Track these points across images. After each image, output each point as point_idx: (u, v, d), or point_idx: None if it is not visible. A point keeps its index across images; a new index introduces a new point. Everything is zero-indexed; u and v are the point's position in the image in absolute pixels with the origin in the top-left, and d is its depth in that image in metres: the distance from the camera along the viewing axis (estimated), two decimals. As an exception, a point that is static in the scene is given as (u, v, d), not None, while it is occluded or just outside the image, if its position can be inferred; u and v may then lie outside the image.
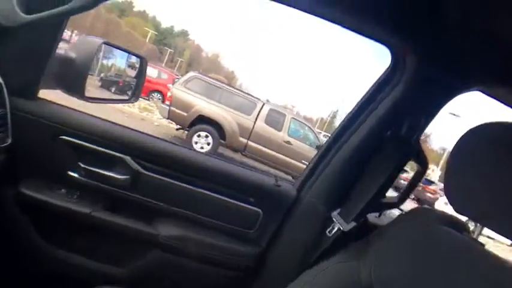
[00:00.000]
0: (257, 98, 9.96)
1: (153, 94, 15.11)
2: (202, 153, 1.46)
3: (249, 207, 1.35)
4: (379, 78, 1.31)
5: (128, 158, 1.24)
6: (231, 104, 9.37)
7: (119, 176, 1.25)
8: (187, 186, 1.29)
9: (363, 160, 1.26)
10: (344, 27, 1.16)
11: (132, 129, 1.29)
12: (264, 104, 9.72)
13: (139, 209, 1.29)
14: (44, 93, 1.25)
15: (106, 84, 1.79)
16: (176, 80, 11.80)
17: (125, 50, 1.46)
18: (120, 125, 1.31)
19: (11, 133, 1.10)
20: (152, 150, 1.28)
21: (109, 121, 1.32)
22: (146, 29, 58.22)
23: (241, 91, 10.85)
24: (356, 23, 1.14)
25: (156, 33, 66.76)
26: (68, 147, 1.21)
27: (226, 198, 1.32)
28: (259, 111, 9.54)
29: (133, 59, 1.59)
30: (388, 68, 1.28)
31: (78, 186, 1.25)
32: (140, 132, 1.33)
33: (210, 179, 1.32)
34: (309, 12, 1.11)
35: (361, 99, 1.34)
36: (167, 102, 9.25)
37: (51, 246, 1.27)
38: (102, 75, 1.51)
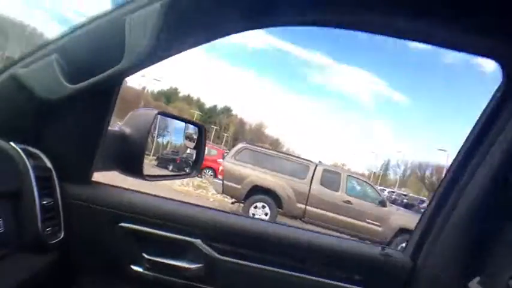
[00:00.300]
0: (309, 160, 9.75)
1: (205, 171, 15.31)
2: (285, 224, 1.23)
3: None
4: (488, 106, 1.06)
5: (198, 242, 1.03)
6: (283, 170, 9.20)
7: (190, 266, 1.03)
8: (275, 269, 1.04)
9: (495, 208, 0.98)
10: (436, 44, 0.96)
11: (200, 206, 1.10)
12: (316, 166, 9.46)
13: None
14: (98, 176, 1.11)
15: (162, 163, 1.65)
16: (225, 154, 11.93)
17: (180, 119, 1.32)
18: (185, 202, 1.12)
19: (63, 226, 0.94)
20: (226, 228, 1.07)
21: (172, 199, 1.13)
22: (192, 111, 61.35)
23: (292, 155, 10.73)
24: (454, 37, 0.93)
25: (201, 113, 70.11)
26: (129, 236, 1.02)
27: (325, 280, 1.05)
28: (313, 174, 9.26)
29: (191, 129, 1.46)
30: (499, 89, 1.03)
31: (143, 282, 1.04)
32: (209, 208, 1.13)
33: (302, 257, 1.07)
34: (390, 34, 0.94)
35: (471, 135, 1.08)
36: (220, 177, 9.25)
37: None
38: (158, 154, 1.38)
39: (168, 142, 1.52)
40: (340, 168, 10.59)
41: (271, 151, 9.85)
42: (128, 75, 0.92)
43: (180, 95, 75.80)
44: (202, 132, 1.41)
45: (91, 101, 0.94)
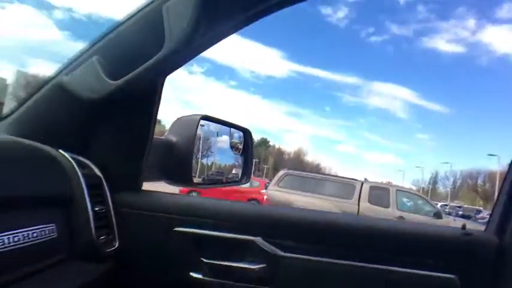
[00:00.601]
0: (353, 179, 9.48)
1: (251, 202, 15.23)
2: (351, 215, 1.13)
3: (438, 276, 0.94)
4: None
5: (259, 240, 0.95)
6: (328, 192, 8.97)
7: (252, 266, 0.95)
8: (344, 262, 0.94)
9: None
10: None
11: (257, 205, 1.02)
12: (362, 183, 9.17)
13: None
14: (146, 187, 1.07)
15: (208, 184, 1.61)
16: (267, 184, 11.83)
17: (224, 123, 1.27)
18: (241, 202, 1.05)
19: (117, 234, 0.90)
20: (287, 223, 0.98)
21: (228, 201, 1.07)
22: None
23: (335, 176, 10.48)
24: None
25: (239, 149, 70.51)
26: (185, 241, 0.96)
27: (403, 269, 0.94)
28: (360, 192, 8.96)
29: (236, 139, 1.41)
30: None
31: None
32: (267, 207, 1.06)
33: (374, 246, 0.96)
34: None
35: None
36: (265, 206, 9.13)
37: None
38: (203, 175, 1.34)
39: (212, 163, 1.48)
40: (388, 184, 10.11)
41: (313, 174, 9.66)
42: (170, 66, 0.90)
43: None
44: (248, 136, 1.36)
45: (135, 100, 0.92)
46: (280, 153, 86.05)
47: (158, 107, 0.99)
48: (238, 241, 0.95)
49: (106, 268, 0.86)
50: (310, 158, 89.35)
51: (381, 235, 0.98)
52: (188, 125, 1.10)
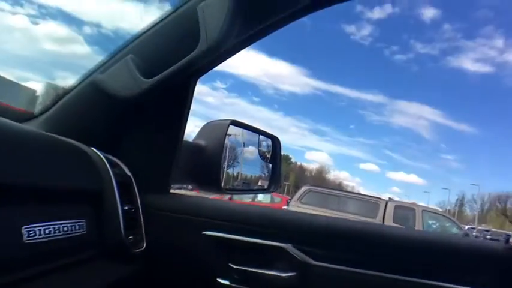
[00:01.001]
0: (378, 198, 9.28)
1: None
2: (386, 225, 1.08)
3: None
4: None
5: (289, 247, 0.91)
6: (352, 210, 8.78)
7: (282, 274, 0.91)
8: (378, 274, 0.89)
9: None
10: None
11: (288, 211, 0.99)
12: (387, 202, 8.95)
13: None
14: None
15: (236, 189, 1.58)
16: (289, 200, 11.71)
17: (253, 129, 1.26)
18: (272, 208, 1.02)
19: (145, 236, 0.88)
20: (319, 230, 0.94)
21: (257, 206, 1.04)
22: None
23: (359, 194, 10.27)
24: None
25: (259, 165, 70.44)
26: (214, 245, 0.94)
27: (440, 284, 0.88)
28: (385, 211, 8.75)
29: (264, 147, 1.39)
30: None
31: None
32: (298, 213, 1.02)
33: (410, 257, 0.91)
34: None
35: None
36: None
37: None
38: (229, 186, 1.32)
39: (238, 173, 1.46)
40: (414, 204, 9.82)
41: (336, 191, 9.51)
42: (203, 67, 0.89)
43: (238, 148, 77.33)
44: (276, 144, 1.34)
45: (167, 100, 0.91)
46: (302, 170, 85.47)
47: (189, 109, 0.99)
48: (267, 247, 0.92)
49: (133, 269, 0.85)
50: (332, 176, 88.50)
51: (417, 247, 0.93)
52: (217, 129, 1.09)
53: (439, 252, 0.92)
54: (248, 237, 0.93)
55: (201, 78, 1.00)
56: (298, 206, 8.89)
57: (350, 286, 0.90)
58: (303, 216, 1.00)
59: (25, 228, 0.57)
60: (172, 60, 0.81)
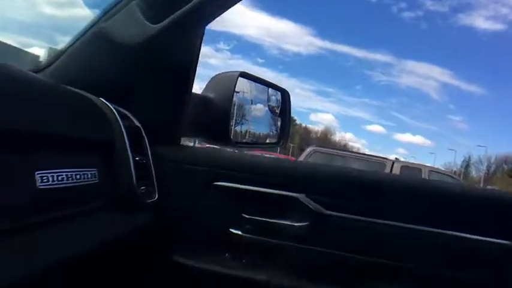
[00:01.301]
0: (384, 158, 9.28)
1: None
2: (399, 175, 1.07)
3: (495, 242, 0.87)
4: None
5: (302, 197, 0.92)
6: (357, 170, 8.82)
7: (294, 224, 0.92)
8: (393, 223, 0.89)
9: None
10: None
11: (301, 161, 0.98)
12: (393, 162, 8.95)
13: (332, 266, 0.92)
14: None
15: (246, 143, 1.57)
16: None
17: (262, 81, 1.23)
18: (283, 158, 1.01)
19: (156, 187, 0.89)
20: (332, 180, 0.94)
21: (269, 156, 1.04)
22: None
23: (365, 154, 10.27)
24: None
25: (265, 126, 70.44)
26: (225, 195, 0.94)
27: (456, 234, 0.88)
28: (391, 171, 8.76)
29: (273, 102, 1.37)
30: None
31: (244, 246, 0.95)
32: (311, 163, 1.02)
33: (425, 207, 0.90)
34: None
35: None
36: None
37: None
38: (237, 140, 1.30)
39: (246, 131, 1.45)
40: (420, 164, 9.75)
41: (342, 151, 9.51)
42: (210, 12, 0.86)
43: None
44: (286, 97, 1.31)
45: (175, 49, 0.88)
46: (306, 132, 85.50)
47: (197, 59, 0.96)
48: (280, 197, 0.92)
49: (146, 219, 0.85)
50: (337, 137, 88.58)
51: (428, 196, 0.92)
52: (226, 82, 1.07)
53: (451, 201, 0.91)
54: (260, 187, 0.92)
55: (204, 39, 0.97)
56: (303, 166, 8.94)
57: (363, 235, 0.91)
58: (315, 166, 1.00)
59: (38, 174, 0.57)
60: (180, 4, 0.78)
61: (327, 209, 0.90)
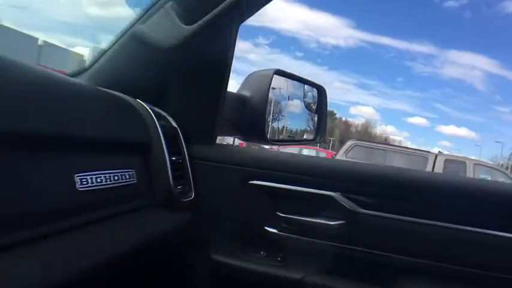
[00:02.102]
0: (426, 151, 8.97)
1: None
2: (436, 173, 1.03)
3: None
4: None
5: (337, 195, 0.91)
6: (398, 164, 8.56)
7: (330, 222, 0.91)
8: (429, 222, 0.86)
9: None
10: None
11: (336, 159, 0.97)
12: (436, 156, 8.64)
13: (367, 265, 0.91)
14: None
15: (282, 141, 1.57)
16: (334, 155, 11.62)
17: (298, 78, 1.22)
18: (318, 157, 1.01)
19: (192, 186, 0.90)
20: (367, 178, 0.92)
21: (304, 155, 1.04)
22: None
23: (407, 147, 9.97)
24: None
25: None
26: (261, 194, 0.94)
27: (500, 234, 0.84)
28: (434, 165, 8.46)
29: (309, 98, 1.35)
30: None
31: (279, 244, 0.95)
32: (346, 161, 1.00)
33: (460, 206, 0.86)
34: None
35: None
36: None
37: None
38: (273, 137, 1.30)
39: (283, 127, 1.44)
40: (465, 157, 9.32)
41: (383, 145, 9.27)
42: (243, 11, 0.87)
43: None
44: (322, 94, 1.30)
45: (210, 49, 0.89)
46: (346, 125, 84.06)
47: (232, 58, 0.97)
48: (315, 196, 0.91)
49: (183, 218, 0.87)
50: (378, 130, 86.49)
51: (469, 195, 0.88)
52: (262, 80, 1.07)
53: (493, 201, 0.87)
54: (295, 185, 0.92)
55: (242, 35, 0.98)
56: (344, 159, 8.79)
57: (398, 234, 0.89)
58: (351, 165, 0.98)
59: (77, 176, 0.59)
60: (213, 5, 0.78)
61: (363, 207, 0.88)
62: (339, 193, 0.89)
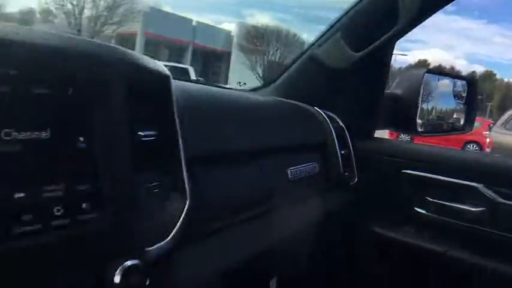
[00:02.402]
0: None
1: (468, 146, 13.88)
2: None
3: None
4: None
5: (480, 187, 1.07)
6: None
7: (472, 209, 1.07)
8: None
9: None
10: None
11: (480, 153, 1.12)
12: None
13: (506, 247, 1.05)
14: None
15: (427, 129, 1.70)
16: (491, 125, 10.44)
17: (448, 75, 1.36)
18: (464, 150, 1.17)
19: (356, 173, 1.16)
20: (509, 172, 1.06)
21: (451, 148, 1.20)
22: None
23: None
24: None
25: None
26: (413, 182, 1.15)
27: None
28: None
29: (458, 87, 1.46)
30: None
31: (427, 223, 1.16)
32: (489, 155, 1.14)
33: None
34: None
35: None
36: (488, 150, 8.18)
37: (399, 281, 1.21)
38: (423, 120, 1.44)
39: (433, 108, 1.55)
40: None
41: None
42: (400, 37, 1.06)
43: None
44: (472, 85, 1.39)
45: (371, 66, 1.12)
46: (509, 88, 72.92)
47: (388, 69, 1.18)
48: (460, 186, 1.08)
49: (350, 197, 1.14)
50: None
51: None
52: (413, 79, 1.25)
53: None
54: (444, 176, 1.11)
55: None
56: (502, 132, 7.86)
57: None
58: (494, 159, 1.11)
59: (289, 170, 0.90)
60: (375, 34, 1.00)
61: (504, 198, 1.02)
62: (482, 184, 1.05)
